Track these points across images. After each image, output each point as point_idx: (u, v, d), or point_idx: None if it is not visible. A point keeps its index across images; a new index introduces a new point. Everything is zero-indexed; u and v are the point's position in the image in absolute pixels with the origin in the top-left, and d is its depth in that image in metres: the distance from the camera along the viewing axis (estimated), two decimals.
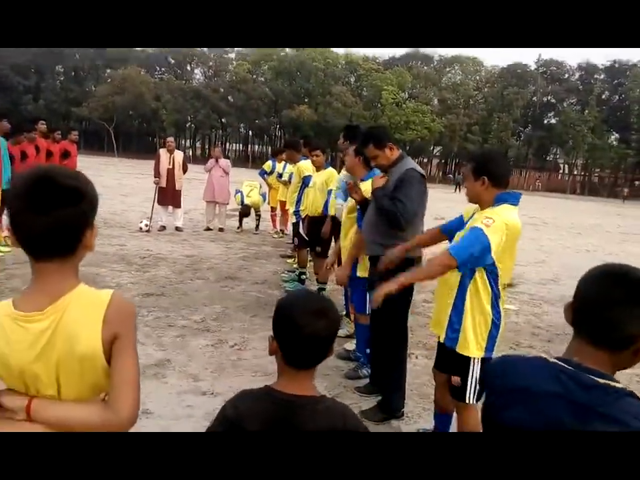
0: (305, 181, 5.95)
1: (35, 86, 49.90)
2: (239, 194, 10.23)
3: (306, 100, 51.73)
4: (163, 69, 56.38)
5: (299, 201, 6.09)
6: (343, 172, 4.68)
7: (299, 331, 1.25)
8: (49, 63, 51.08)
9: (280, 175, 9.48)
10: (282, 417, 1.24)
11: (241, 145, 61.85)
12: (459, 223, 2.68)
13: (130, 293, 5.68)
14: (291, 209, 6.24)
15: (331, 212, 5.04)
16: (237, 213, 10.54)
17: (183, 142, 60.87)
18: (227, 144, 62.94)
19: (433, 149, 57.70)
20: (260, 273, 7.11)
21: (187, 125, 55.43)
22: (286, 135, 59.60)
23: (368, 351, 3.91)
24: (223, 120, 54.98)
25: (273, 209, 10.35)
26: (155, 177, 9.58)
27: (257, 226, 10.49)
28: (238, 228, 10.34)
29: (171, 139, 9.98)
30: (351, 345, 4.40)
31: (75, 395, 1.17)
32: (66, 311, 1.13)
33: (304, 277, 6.28)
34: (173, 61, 54.99)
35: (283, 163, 9.40)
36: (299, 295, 1.44)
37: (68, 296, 1.14)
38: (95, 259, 7.11)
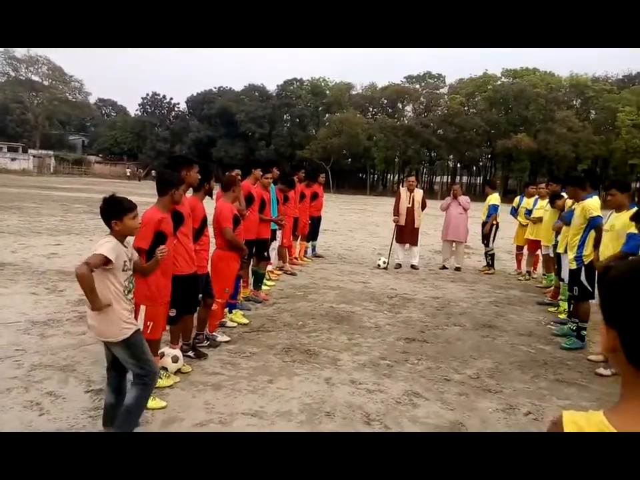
0: (592, 223, 5.14)
1: (267, 133, 57.14)
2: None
3: (522, 128, 48.51)
4: (375, 109, 59.21)
5: (581, 245, 5.28)
6: None
7: None
8: (280, 113, 58.14)
9: (529, 212, 8.66)
10: None
11: (448, 178, 60.87)
12: None
13: (391, 336, 5.58)
14: (570, 254, 5.44)
15: None
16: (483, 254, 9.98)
17: (391, 177, 62.68)
18: (434, 177, 62.59)
19: None
20: (520, 322, 6.41)
21: (396, 160, 56.76)
22: (497, 165, 56.89)
23: None
24: (432, 153, 54.99)
25: (519, 248, 9.46)
26: (394, 215, 9.65)
27: (489, 264, 9.68)
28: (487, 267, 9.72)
29: (412, 177, 9.93)
30: None
31: None
32: None
33: (584, 332, 5.39)
34: (385, 101, 57.35)
35: (534, 198, 8.58)
36: None
37: None
38: (345, 296, 7.33)
